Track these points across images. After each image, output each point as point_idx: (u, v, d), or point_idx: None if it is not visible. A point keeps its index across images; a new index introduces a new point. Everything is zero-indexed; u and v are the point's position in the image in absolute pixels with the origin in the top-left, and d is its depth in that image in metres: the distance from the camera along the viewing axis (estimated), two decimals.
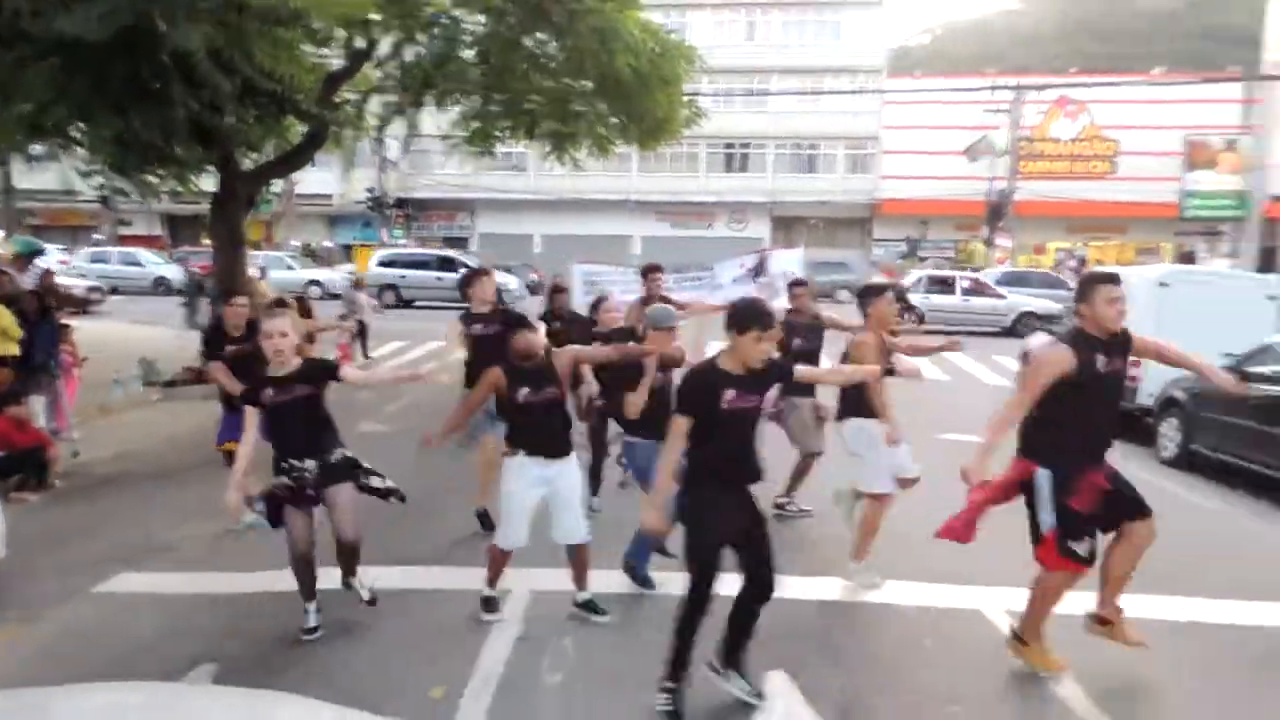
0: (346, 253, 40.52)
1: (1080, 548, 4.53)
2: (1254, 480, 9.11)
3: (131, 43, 9.48)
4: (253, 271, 16.79)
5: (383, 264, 29.27)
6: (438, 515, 7.27)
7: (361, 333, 17.00)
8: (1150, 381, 11.06)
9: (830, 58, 42.57)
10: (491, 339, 6.46)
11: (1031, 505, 4.59)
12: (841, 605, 5.68)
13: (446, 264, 28.80)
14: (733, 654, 4.36)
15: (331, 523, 5.06)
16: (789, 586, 5.51)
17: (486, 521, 6.77)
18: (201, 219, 39.17)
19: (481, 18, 14.06)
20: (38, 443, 8.06)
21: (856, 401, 6.00)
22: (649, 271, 8.62)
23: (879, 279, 27.27)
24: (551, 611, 5.38)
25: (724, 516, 4.19)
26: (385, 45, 14.39)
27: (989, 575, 6.10)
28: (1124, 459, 6.25)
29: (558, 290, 9.12)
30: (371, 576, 5.94)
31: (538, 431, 5.19)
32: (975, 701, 4.48)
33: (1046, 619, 4.76)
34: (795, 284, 8.06)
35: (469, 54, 14.31)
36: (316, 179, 31.57)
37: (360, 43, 14.14)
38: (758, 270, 12.43)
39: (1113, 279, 4.58)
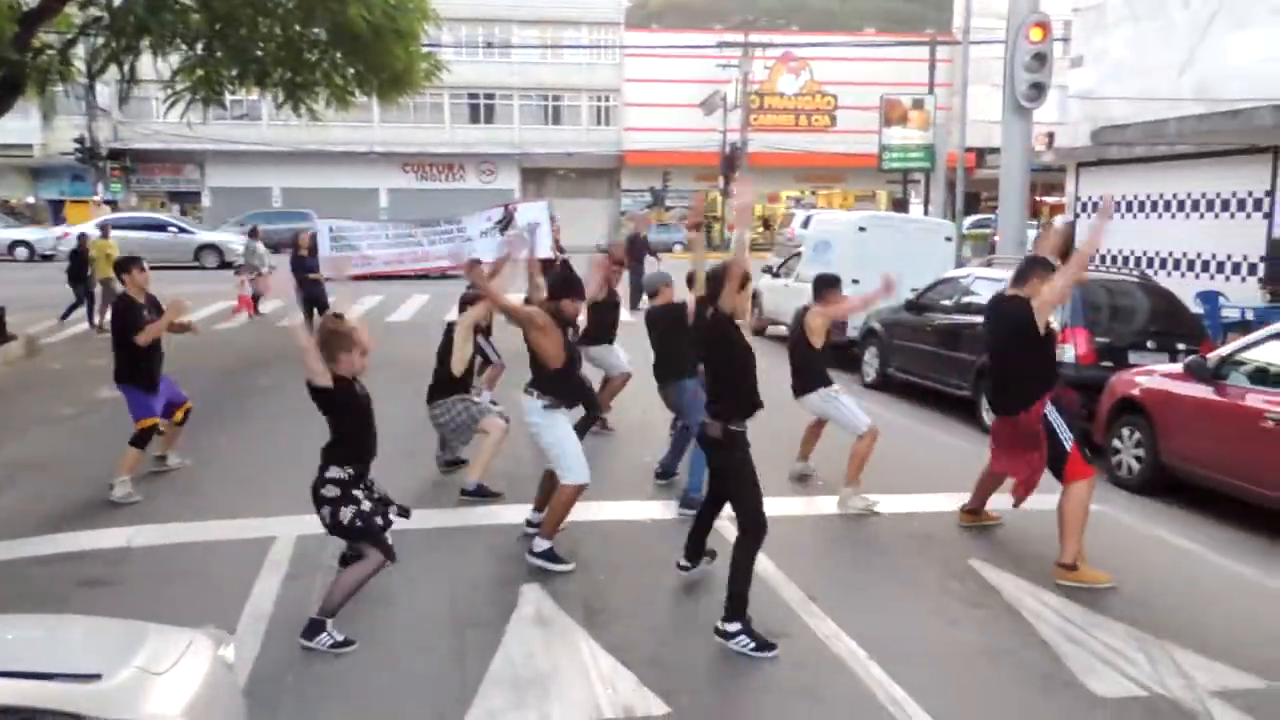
0: (55, 209, 36.80)
1: (1087, 452, 5.66)
2: (934, 395, 10.67)
3: None
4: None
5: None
6: (200, 473, 7.33)
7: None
8: (856, 317, 12.53)
9: (567, 9, 43.02)
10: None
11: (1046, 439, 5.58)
12: (587, 524, 6.34)
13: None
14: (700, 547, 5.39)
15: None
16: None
17: (485, 491, 6.88)
18: None
19: None
20: None
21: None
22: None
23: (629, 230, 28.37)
24: (315, 551, 5.68)
25: None
26: None
27: None
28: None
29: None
30: (128, 535, 6.01)
31: (576, 387, 6.02)
32: (699, 590, 5.30)
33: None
34: None
35: None
36: (14, 128, 28.31)
37: None
38: (505, 223, 12.84)
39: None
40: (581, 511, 6.41)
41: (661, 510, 6.65)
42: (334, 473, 4.60)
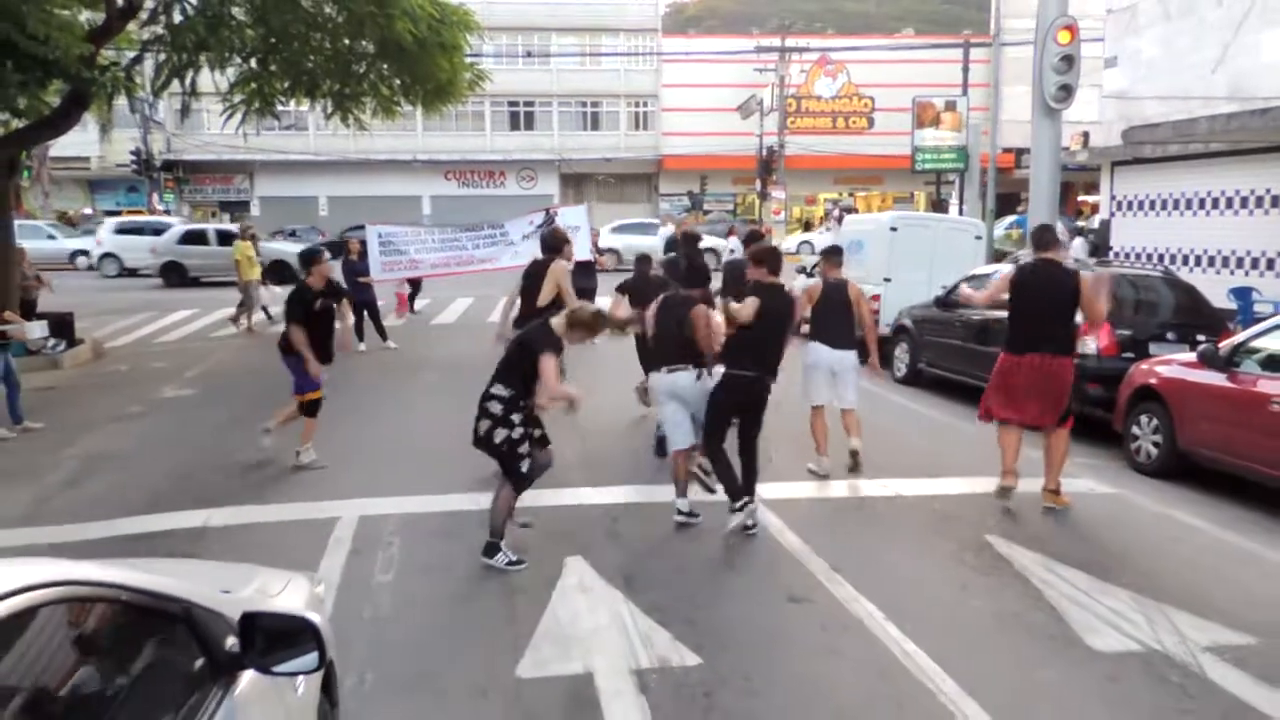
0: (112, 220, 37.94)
1: None
2: (963, 389, 10.91)
3: None
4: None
5: None
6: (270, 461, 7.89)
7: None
8: (888, 313, 12.83)
9: (605, 16, 43.59)
10: None
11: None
12: (621, 505, 6.77)
13: None
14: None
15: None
16: (583, 495, 6.68)
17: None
18: None
19: None
20: None
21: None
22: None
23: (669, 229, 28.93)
24: (377, 531, 6.18)
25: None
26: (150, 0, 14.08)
27: None
28: (867, 381, 7.70)
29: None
30: (205, 516, 6.55)
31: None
32: (733, 560, 5.71)
33: None
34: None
35: (240, 12, 14.20)
36: (72, 141, 29.30)
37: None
38: (546, 226, 13.34)
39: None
40: (626, 493, 6.89)
41: (696, 491, 7.03)
42: (498, 389, 5.47)
